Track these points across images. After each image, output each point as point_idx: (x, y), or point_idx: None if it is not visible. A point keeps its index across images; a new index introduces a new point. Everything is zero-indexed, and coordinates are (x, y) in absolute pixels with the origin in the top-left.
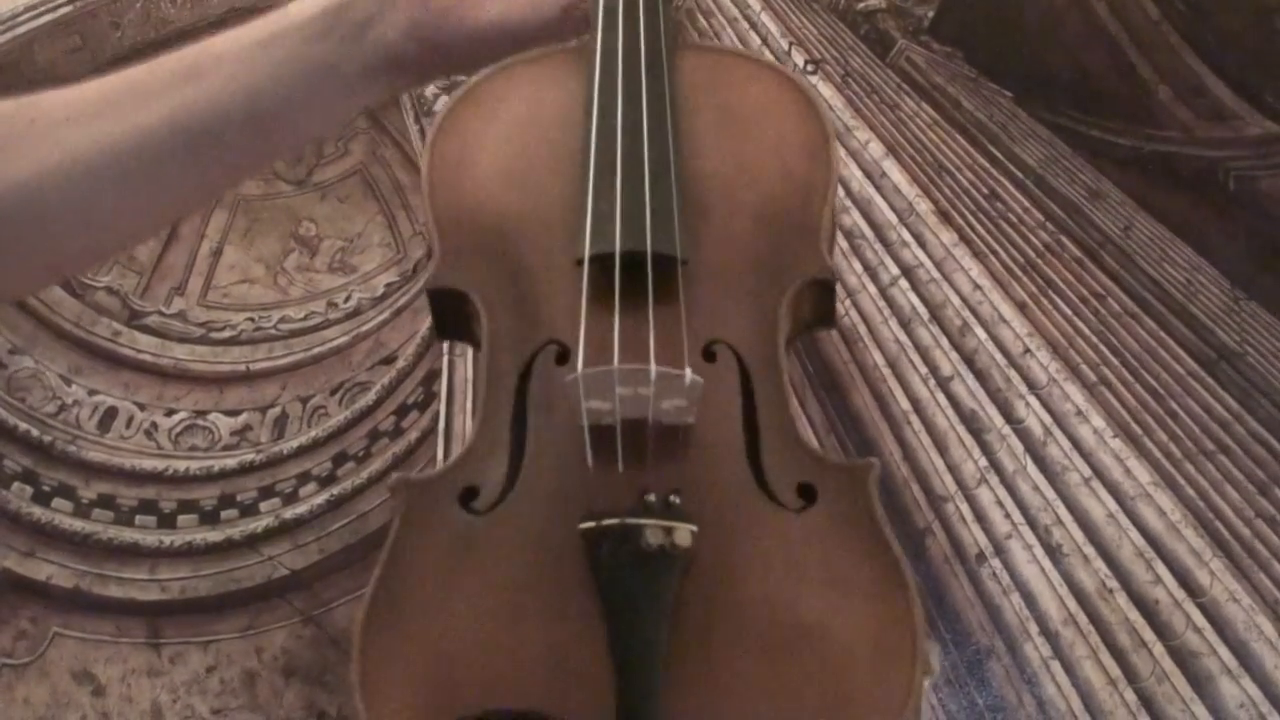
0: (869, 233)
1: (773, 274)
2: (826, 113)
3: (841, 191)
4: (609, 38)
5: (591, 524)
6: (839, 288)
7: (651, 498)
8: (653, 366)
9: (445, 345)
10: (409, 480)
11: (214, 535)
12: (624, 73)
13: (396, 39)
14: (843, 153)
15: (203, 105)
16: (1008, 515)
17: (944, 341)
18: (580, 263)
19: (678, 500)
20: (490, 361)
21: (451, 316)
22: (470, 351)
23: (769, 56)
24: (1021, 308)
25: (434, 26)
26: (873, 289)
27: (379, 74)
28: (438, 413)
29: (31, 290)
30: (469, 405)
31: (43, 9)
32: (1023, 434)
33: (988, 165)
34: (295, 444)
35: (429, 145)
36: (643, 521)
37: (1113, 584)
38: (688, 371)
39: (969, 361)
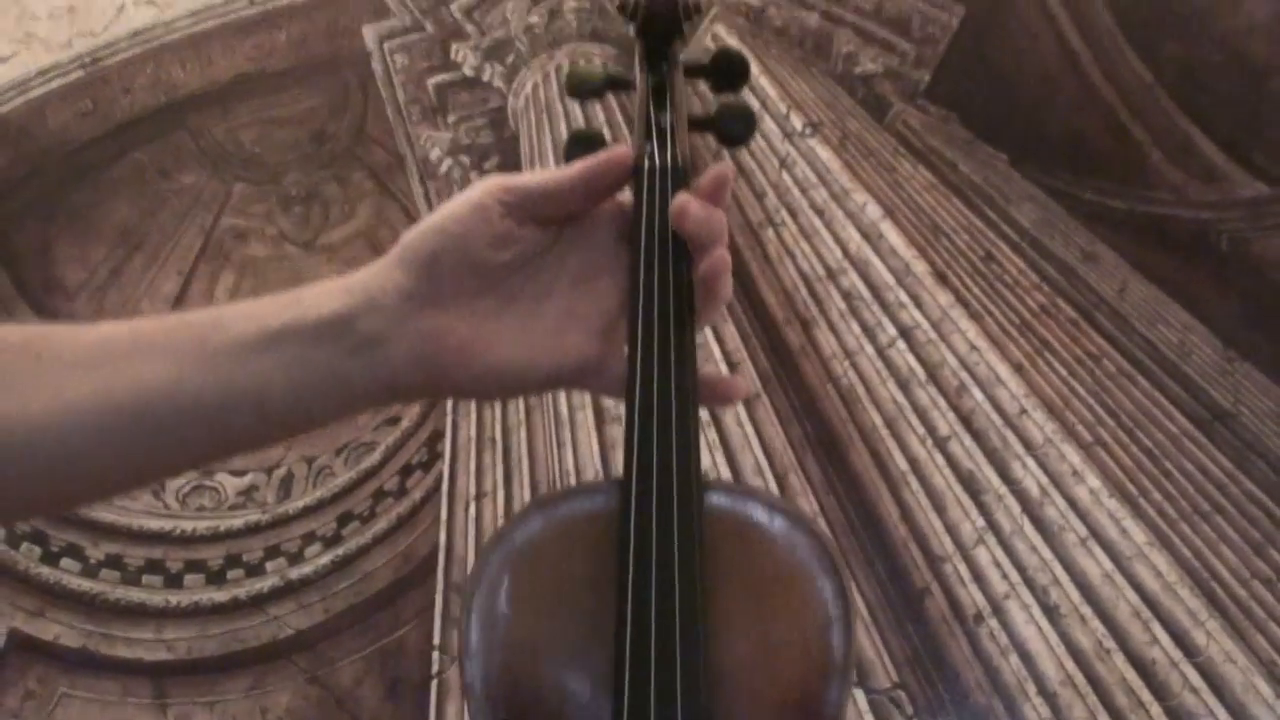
0: (866, 293)
1: None
2: (849, 583)
3: (839, 253)
4: (643, 524)
5: None
6: (839, 348)
7: None
8: None
9: (449, 405)
10: None
11: (220, 595)
12: (658, 562)
13: (402, 366)
14: (840, 214)
15: (210, 385)
16: (1005, 575)
17: (941, 402)
18: None
19: None
20: None
21: None
22: (473, 410)
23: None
24: (1018, 368)
25: (442, 363)
26: (870, 350)
27: (381, 392)
28: (441, 473)
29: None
30: (472, 465)
31: (54, 74)
32: (1020, 494)
33: (984, 227)
34: (300, 504)
35: (471, 611)
36: None
37: (1110, 644)
38: None
39: (966, 422)
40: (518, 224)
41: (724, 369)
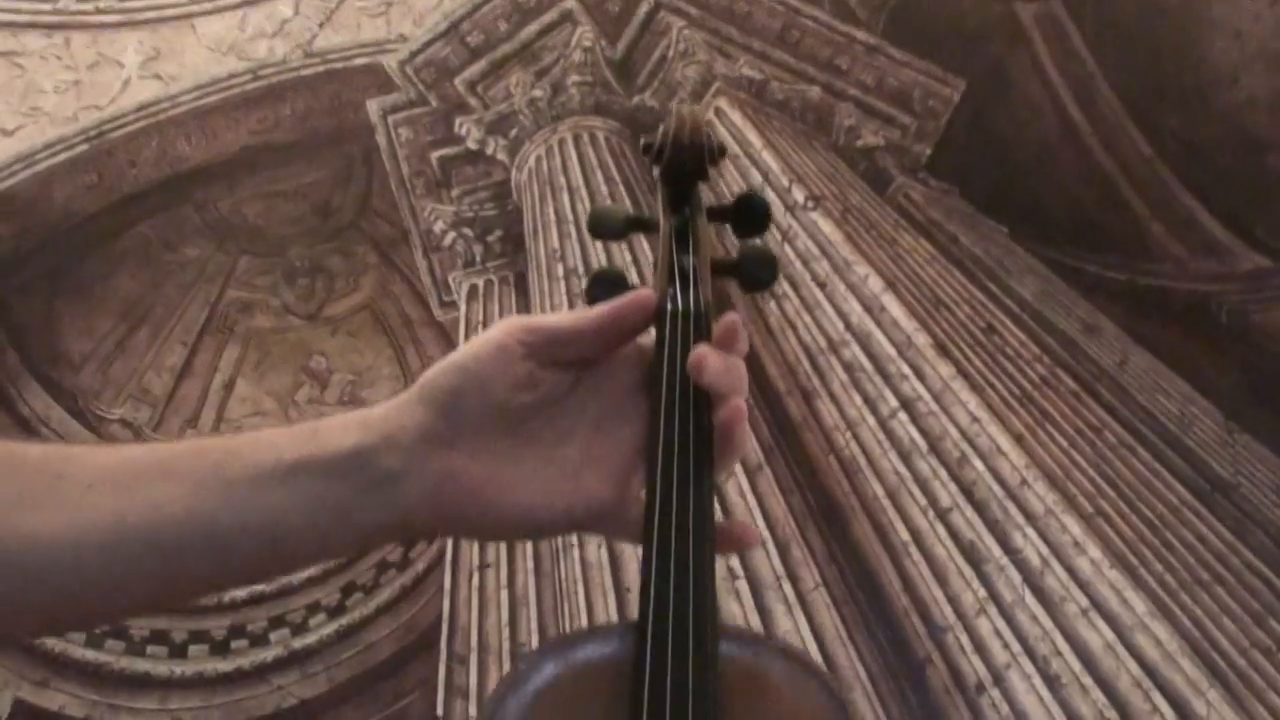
0: (868, 365)
1: None
2: None
3: (841, 325)
4: (657, 674)
5: None
6: (840, 419)
7: None
8: None
9: None
10: None
11: (224, 665)
12: (672, 712)
13: (416, 505)
14: (842, 287)
15: (225, 514)
16: (1007, 645)
17: (943, 473)
18: None
19: None
20: None
21: None
22: None
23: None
24: (1019, 440)
25: (456, 505)
26: (872, 421)
27: (395, 528)
28: (445, 544)
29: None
30: None
31: (60, 147)
32: (1021, 564)
33: (985, 300)
34: (305, 575)
35: None
36: None
37: (1111, 714)
38: None
39: (968, 493)
40: (539, 366)
41: None
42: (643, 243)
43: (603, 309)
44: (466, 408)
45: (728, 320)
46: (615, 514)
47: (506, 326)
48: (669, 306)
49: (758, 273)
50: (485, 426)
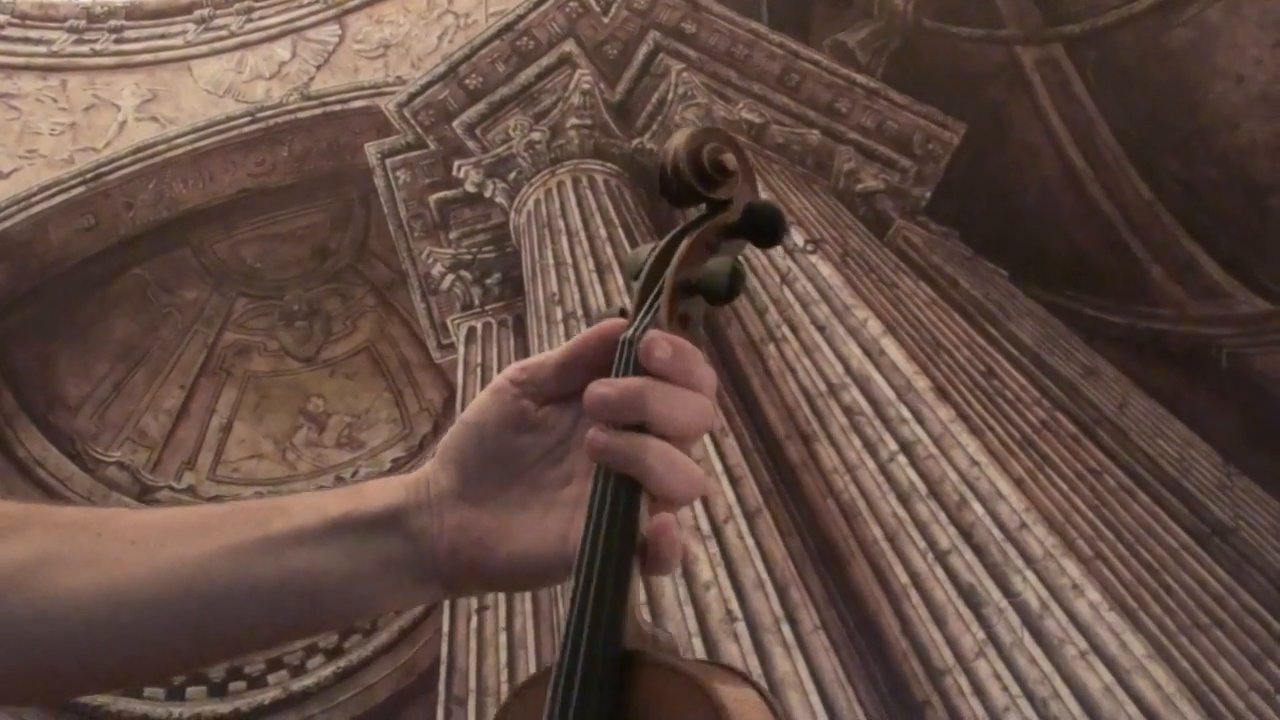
0: (868, 409)
1: None
2: None
3: (840, 368)
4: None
5: None
6: (840, 462)
7: None
8: None
9: None
10: None
11: (222, 707)
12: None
13: (443, 558)
14: (842, 330)
15: (270, 569)
16: (1006, 688)
17: (942, 516)
18: None
19: None
20: None
21: None
22: None
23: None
24: (1019, 483)
25: (469, 555)
26: (872, 464)
27: (429, 581)
28: None
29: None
30: None
31: (56, 189)
32: (1020, 607)
33: (985, 343)
34: None
35: None
36: None
37: None
38: None
39: (967, 536)
40: (535, 405)
41: (725, 483)
42: None
43: (570, 341)
44: (472, 459)
45: (652, 338)
46: None
47: (503, 372)
48: (623, 335)
49: (717, 287)
50: (493, 476)
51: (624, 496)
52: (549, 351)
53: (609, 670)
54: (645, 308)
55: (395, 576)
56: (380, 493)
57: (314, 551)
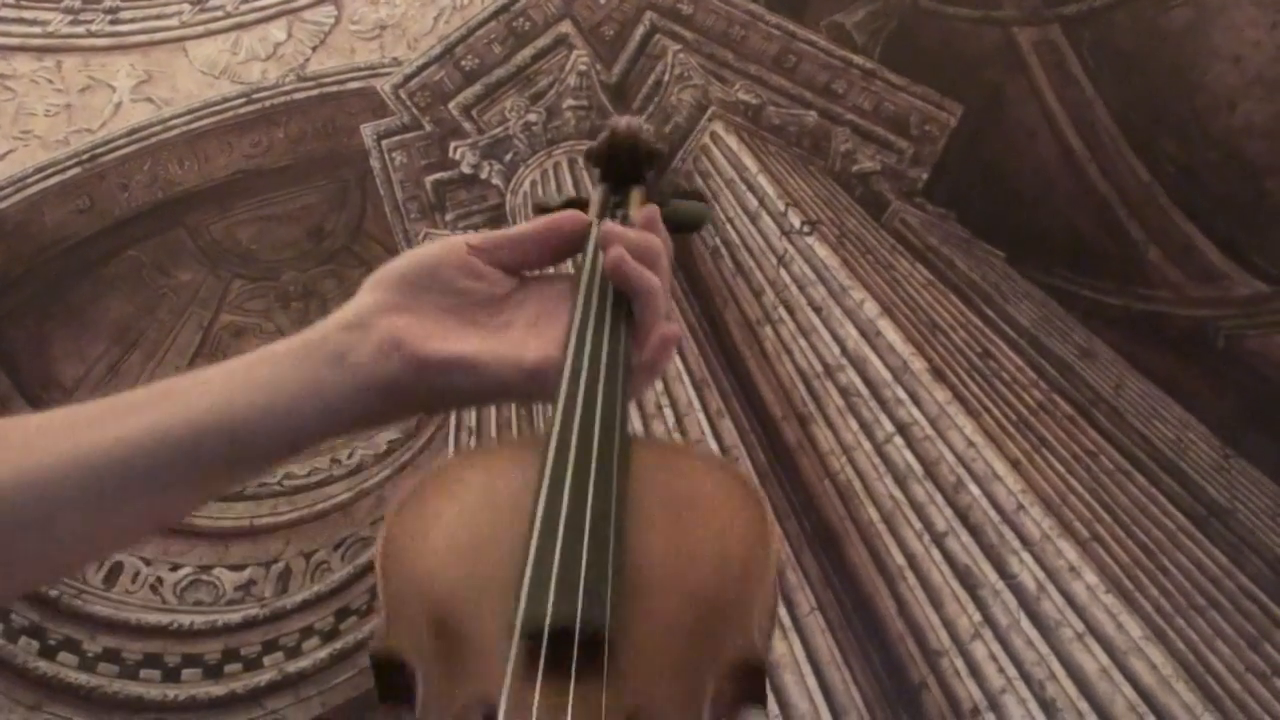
0: (864, 390)
1: (703, 656)
2: (769, 512)
3: (837, 350)
4: (564, 431)
5: None
6: (836, 444)
7: None
8: None
9: None
10: None
11: (218, 689)
12: (575, 464)
13: (369, 361)
14: (838, 312)
15: (179, 418)
16: (1002, 670)
17: (939, 498)
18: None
19: None
20: None
21: (392, 682)
22: None
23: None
24: (1015, 465)
25: (409, 349)
26: (868, 446)
27: (356, 394)
28: None
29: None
30: None
31: (51, 171)
32: (1017, 589)
33: (981, 325)
34: (298, 599)
35: (388, 520)
36: None
37: None
38: None
39: (963, 517)
40: (482, 263)
41: None
42: None
43: (542, 219)
44: (414, 281)
45: (647, 209)
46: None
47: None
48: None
49: (685, 212)
50: (431, 300)
51: (623, 311)
52: (507, 229)
53: (621, 446)
54: (614, 214)
55: (321, 400)
56: (304, 331)
57: (226, 393)
